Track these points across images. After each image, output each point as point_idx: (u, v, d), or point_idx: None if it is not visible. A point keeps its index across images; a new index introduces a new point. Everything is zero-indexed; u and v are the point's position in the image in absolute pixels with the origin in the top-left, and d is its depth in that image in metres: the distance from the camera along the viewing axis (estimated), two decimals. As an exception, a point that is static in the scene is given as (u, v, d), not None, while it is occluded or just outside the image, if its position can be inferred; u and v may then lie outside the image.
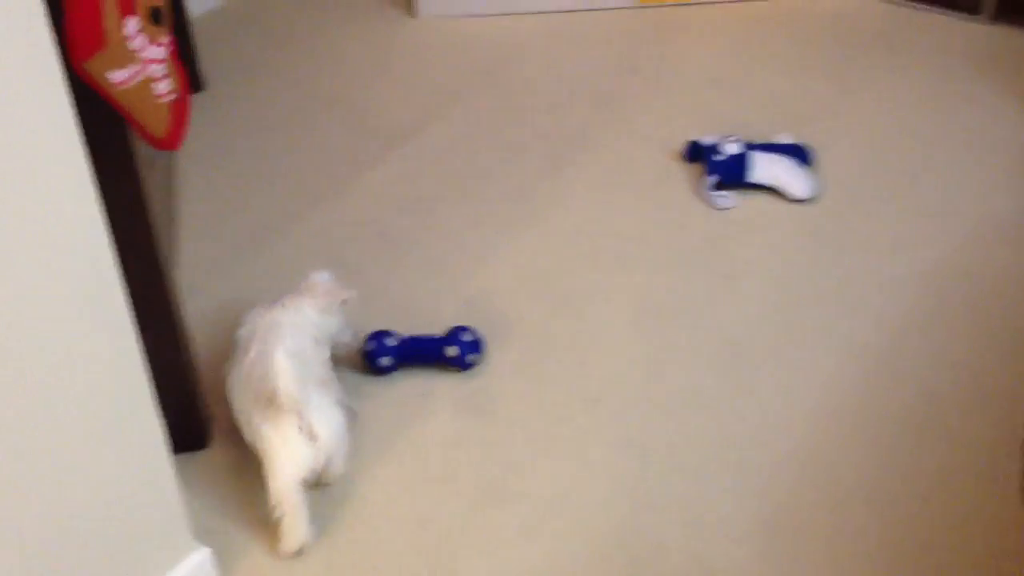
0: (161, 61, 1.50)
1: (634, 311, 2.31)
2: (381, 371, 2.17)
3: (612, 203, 2.59)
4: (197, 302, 2.34)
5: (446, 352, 2.16)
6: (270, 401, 1.78)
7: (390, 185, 2.62)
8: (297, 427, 1.78)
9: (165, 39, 1.50)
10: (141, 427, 1.60)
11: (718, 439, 2.02)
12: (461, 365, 2.17)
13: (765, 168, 2.56)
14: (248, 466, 2.02)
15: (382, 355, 2.16)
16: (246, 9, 3.33)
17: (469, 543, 1.86)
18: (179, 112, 1.59)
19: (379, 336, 2.18)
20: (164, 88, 1.52)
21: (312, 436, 1.81)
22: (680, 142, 2.71)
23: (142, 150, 1.74)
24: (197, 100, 2.92)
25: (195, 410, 2.03)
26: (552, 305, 2.33)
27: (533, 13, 3.23)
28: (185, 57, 2.87)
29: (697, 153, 2.65)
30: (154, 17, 1.46)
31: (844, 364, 2.16)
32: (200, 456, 2.05)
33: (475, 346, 2.18)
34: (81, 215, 1.35)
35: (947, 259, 2.40)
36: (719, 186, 2.56)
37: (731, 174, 2.56)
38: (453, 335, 2.17)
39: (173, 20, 1.54)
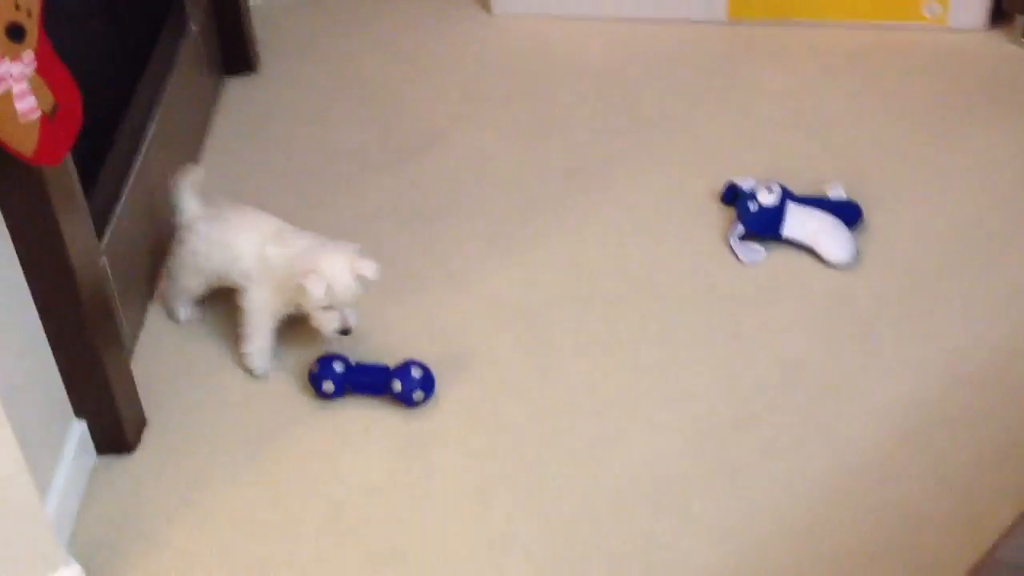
0: (21, 78, 1.44)
1: (618, 364, 2.11)
2: (324, 396, 2.06)
3: (629, 238, 2.37)
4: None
5: (392, 386, 2.03)
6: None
7: (399, 194, 2.48)
8: None
9: (27, 55, 1.45)
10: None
11: (681, 535, 1.81)
12: (406, 401, 2.03)
13: (801, 224, 2.28)
14: (169, 477, 1.95)
15: (325, 379, 2.05)
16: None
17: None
18: (56, 129, 1.53)
19: (327, 360, 2.06)
20: (27, 105, 1.47)
21: None
22: (727, 180, 2.45)
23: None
24: (245, 82, 2.85)
25: (116, 411, 1.96)
26: (527, 346, 2.15)
27: (616, 20, 3.01)
28: (236, 37, 2.82)
29: (734, 196, 2.40)
30: (12, 33, 1.41)
31: (839, 465, 1.91)
32: (124, 460, 2.00)
33: (423, 383, 2.03)
34: None
35: (992, 357, 2.08)
36: (748, 237, 2.31)
37: (763, 225, 2.30)
38: (402, 369, 2.04)
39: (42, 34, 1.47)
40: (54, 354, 1.87)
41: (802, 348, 2.12)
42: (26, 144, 1.48)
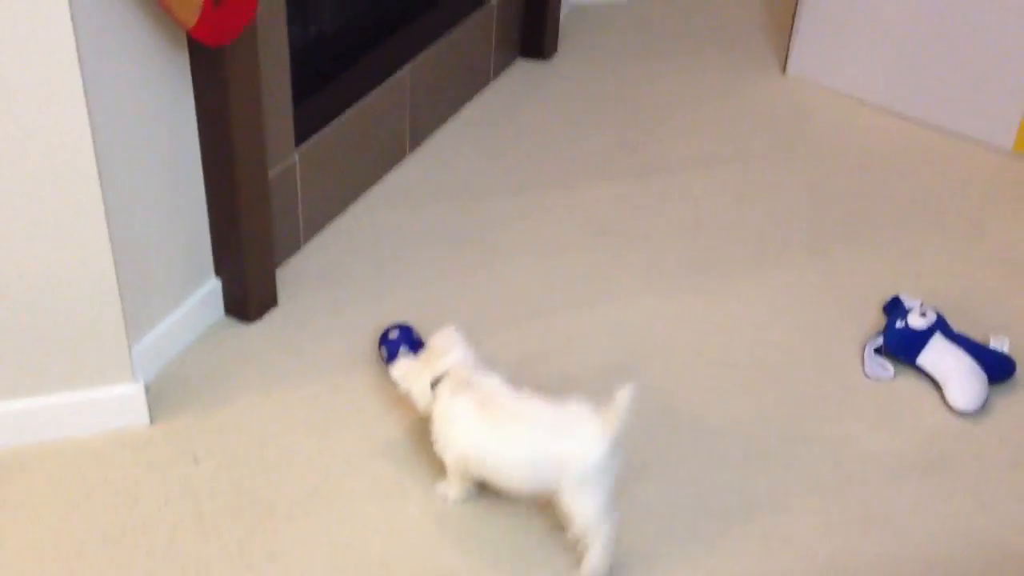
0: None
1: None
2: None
3: (775, 320, 2.33)
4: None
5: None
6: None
7: (587, 213, 2.58)
8: None
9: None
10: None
11: None
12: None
13: (938, 357, 2.14)
14: (268, 362, 2.17)
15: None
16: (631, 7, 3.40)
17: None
18: (222, 13, 1.77)
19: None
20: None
21: None
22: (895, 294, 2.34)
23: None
24: (533, 66, 3.08)
25: (246, 283, 2.22)
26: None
27: (902, 116, 2.90)
28: (538, 22, 3.05)
29: (893, 309, 2.27)
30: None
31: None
32: (242, 328, 2.24)
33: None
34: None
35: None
36: (885, 353, 2.20)
37: (901, 346, 2.18)
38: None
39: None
40: (209, 217, 2.18)
41: (880, 483, 1.99)
42: (188, 15, 1.73)
